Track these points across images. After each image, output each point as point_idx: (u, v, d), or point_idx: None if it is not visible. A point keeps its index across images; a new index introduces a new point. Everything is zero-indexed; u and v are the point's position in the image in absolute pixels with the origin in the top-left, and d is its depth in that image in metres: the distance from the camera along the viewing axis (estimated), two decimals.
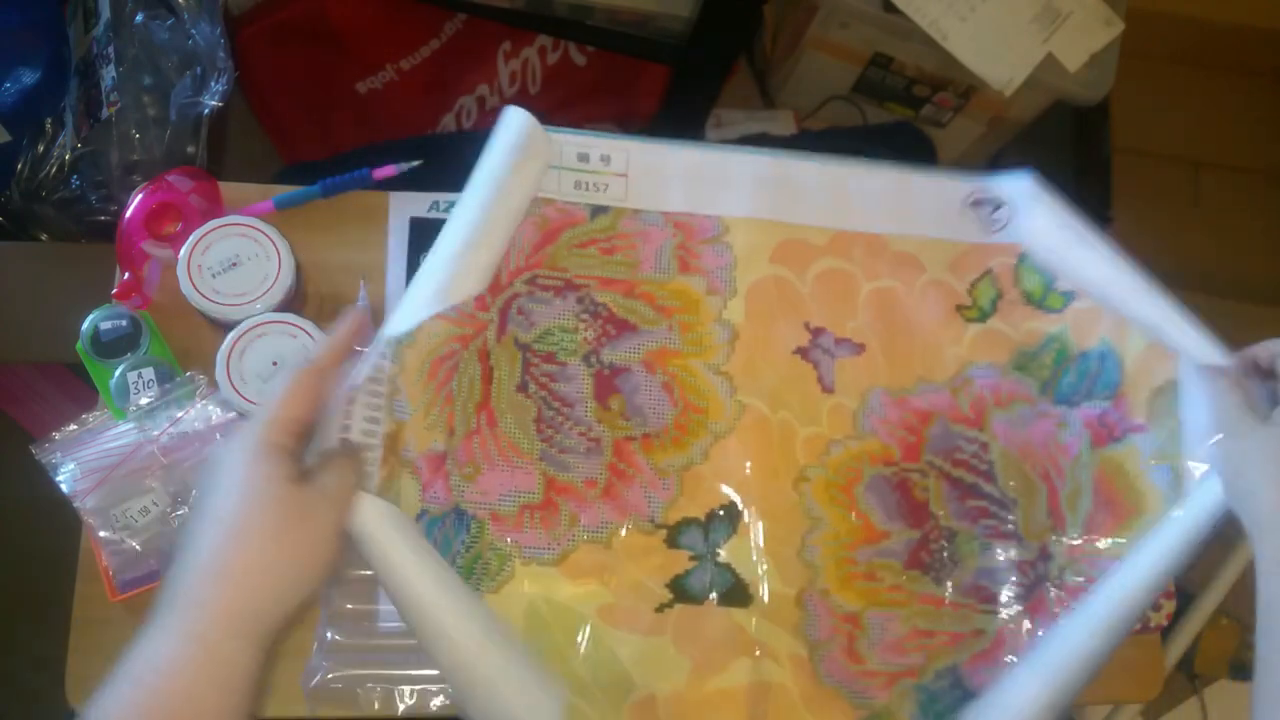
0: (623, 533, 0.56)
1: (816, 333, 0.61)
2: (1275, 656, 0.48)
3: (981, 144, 1.35)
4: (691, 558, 0.57)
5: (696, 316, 0.60)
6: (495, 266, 0.57)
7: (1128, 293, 0.60)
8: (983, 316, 0.63)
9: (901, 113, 1.32)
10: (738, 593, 0.57)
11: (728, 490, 0.58)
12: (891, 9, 1.09)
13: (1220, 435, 0.54)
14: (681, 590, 0.56)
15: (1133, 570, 0.55)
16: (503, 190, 0.57)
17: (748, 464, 0.58)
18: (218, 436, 0.57)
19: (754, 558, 0.57)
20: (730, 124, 1.31)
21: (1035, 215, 0.64)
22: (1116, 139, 1.32)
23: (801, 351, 0.61)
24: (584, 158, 0.61)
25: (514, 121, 0.59)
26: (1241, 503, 0.52)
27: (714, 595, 0.56)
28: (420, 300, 0.54)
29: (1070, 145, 1.43)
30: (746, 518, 0.58)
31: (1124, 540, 0.58)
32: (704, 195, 0.62)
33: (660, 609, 0.55)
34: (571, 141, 0.61)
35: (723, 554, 0.57)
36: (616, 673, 0.54)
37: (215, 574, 0.42)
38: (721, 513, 0.57)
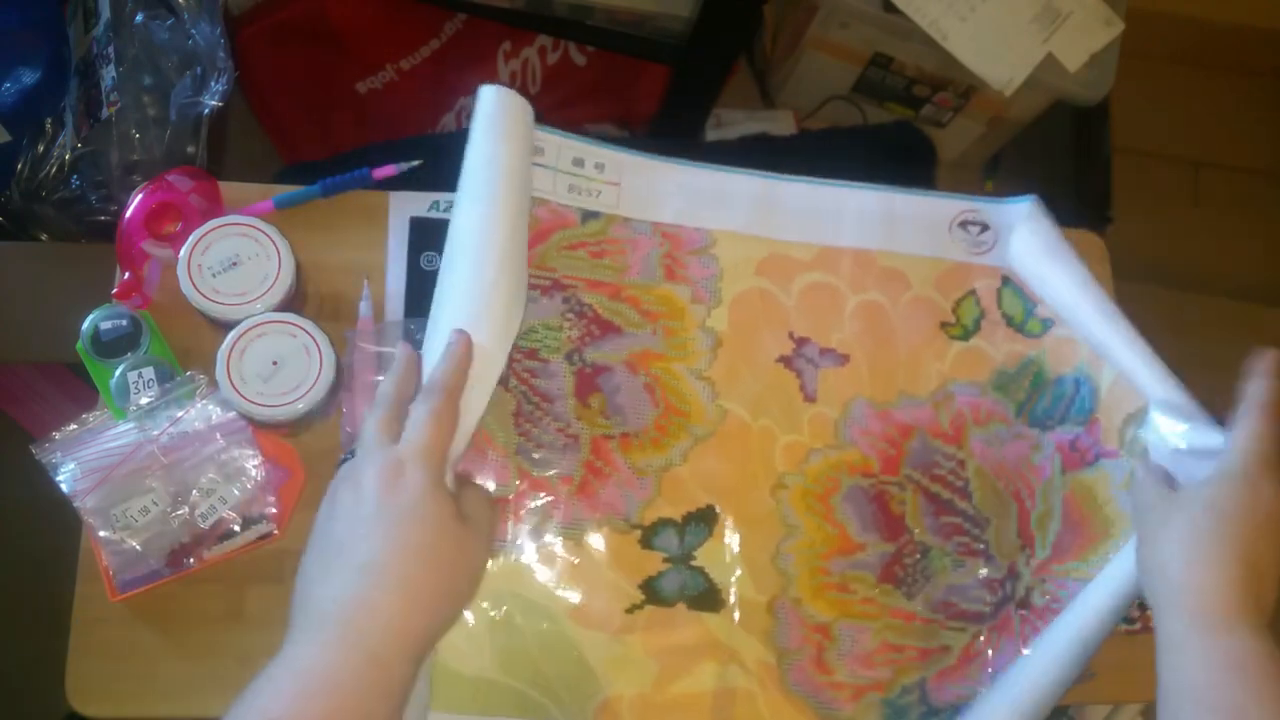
0: (597, 531, 0.56)
1: (801, 342, 0.61)
2: None
3: (981, 144, 1.35)
4: (665, 559, 0.57)
5: (681, 323, 0.60)
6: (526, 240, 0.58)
7: (1099, 327, 0.61)
8: (965, 335, 0.63)
9: (901, 113, 1.32)
10: (709, 597, 0.57)
11: (705, 494, 0.58)
12: (891, 9, 1.09)
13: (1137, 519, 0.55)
14: (653, 592, 0.56)
15: (1093, 599, 0.56)
16: (509, 165, 0.57)
17: (726, 469, 0.58)
18: (218, 436, 0.57)
19: (728, 563, 0.57)
20: (730, 124, 1.31)
21: (1024, 238, 0.64)
22: (1116, 139, 1.32)
23: (785, 360, 0.61)
24: (579, 163, 0.62)
25: (492, 97, 0.58)
26: (1149, 578, 0.51)
27: (685, 599, 0.56)
28: (501, 300, 0.54)
29: (1070, 145, 1.43)
30: (723, 522, 0.58)
31: (1090, 563, 0.58)
32: (694, 210, 0.63)
33: (631, 610, 0.55)
34: (568, 145, 0.62)
35: (697, 558, 0.57)
36: (583, 672, 0.54)
37: (404, 598, 0.44)
38: (698, 516, 0.57)
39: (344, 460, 0.50)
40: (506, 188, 0.57)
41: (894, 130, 1.27)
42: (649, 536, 0.57)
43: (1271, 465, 0.51)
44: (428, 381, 0.51)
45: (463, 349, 0.52)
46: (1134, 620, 0.63)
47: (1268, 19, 1.42)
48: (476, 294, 0.54)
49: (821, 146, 1.08)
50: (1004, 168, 1.42)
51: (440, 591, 0.46)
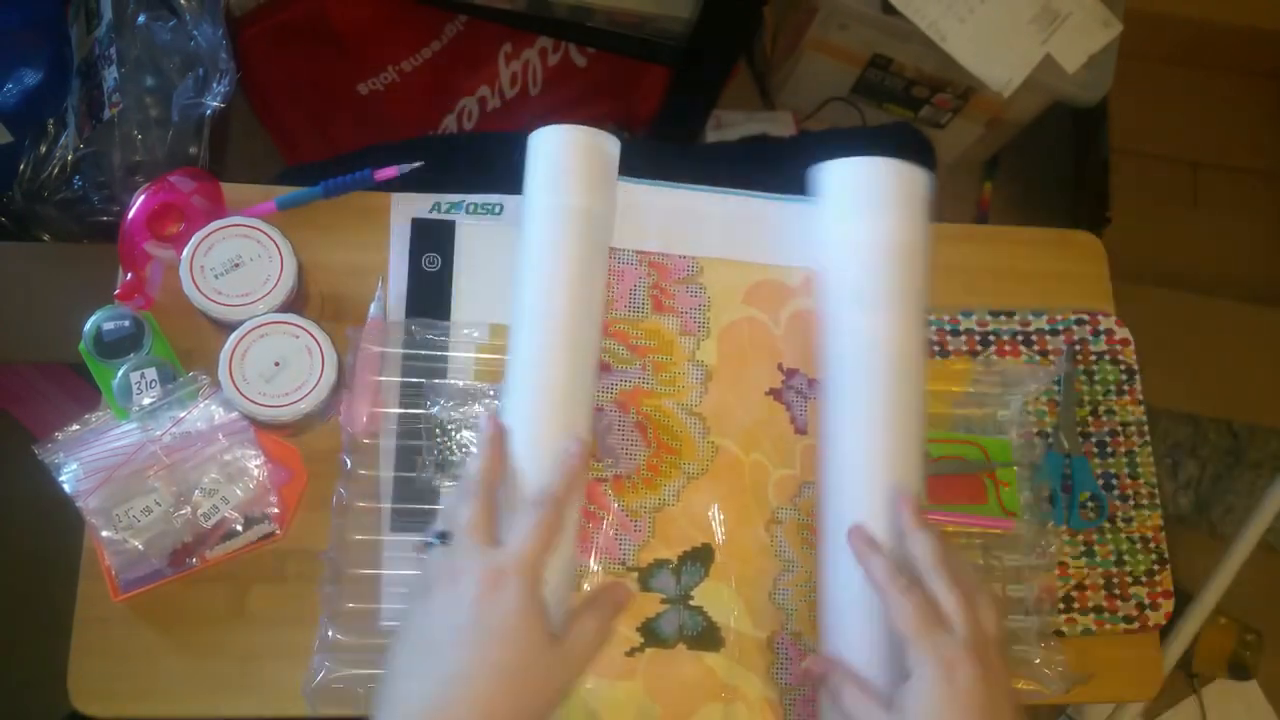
0: (593, 575, 0.56)
1: (789, 374, 0.61)
2: None
3: (980, 145, 1.35)
4: (663, 600, 0.57)
5: (670, 357, 0.60)
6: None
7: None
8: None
9: (900, 114, 1.32)
10: (709, 636, 0.56)
11: (700, 532, 0.58)
12: (891, 10, 1.09)
13: None
14: (652, 634, 0.56)
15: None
16: (589, 227, 0.57)
17: (720, 506, 0.58)
18: (220, 437, 0.57)
19: (725, 600, 0.57)
20: (730, 125, 1.31)
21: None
22: (1115, 140, 1.33)
23: (774, 393, 0.61)
24: None
25: (560, 139, 0.58)
26: None
27: (685, 639, 0.56)
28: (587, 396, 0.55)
29: (1069, 146, 1.43)
30: (718, 560, 0.58)
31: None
32: (679, 235, 0.63)
33: (631, 653, 0.55)
34: None
35: (695, 597, 0.57)
36: (586, 718, 0.54)
37: (482, 715, 0.45)
38: (693, 555, 0.57)
39: (433, 542, 0.50)
40: (589, 257, 0.57)
41: (893, 131, 1.27)
42: (645, 578, 0.57)
43: (948, 650, 0.47)
44: (542, 490, 0.51)
45: (579, 461, 0.52)
46: (1133, 619, 0.63)
47: (1267, 19, 1.42)
48: (569, 393, 0.54)
49: (821, 148, 1.08)
50: (1002, 169, 1.42)
51: (518, 711, 0.46)
